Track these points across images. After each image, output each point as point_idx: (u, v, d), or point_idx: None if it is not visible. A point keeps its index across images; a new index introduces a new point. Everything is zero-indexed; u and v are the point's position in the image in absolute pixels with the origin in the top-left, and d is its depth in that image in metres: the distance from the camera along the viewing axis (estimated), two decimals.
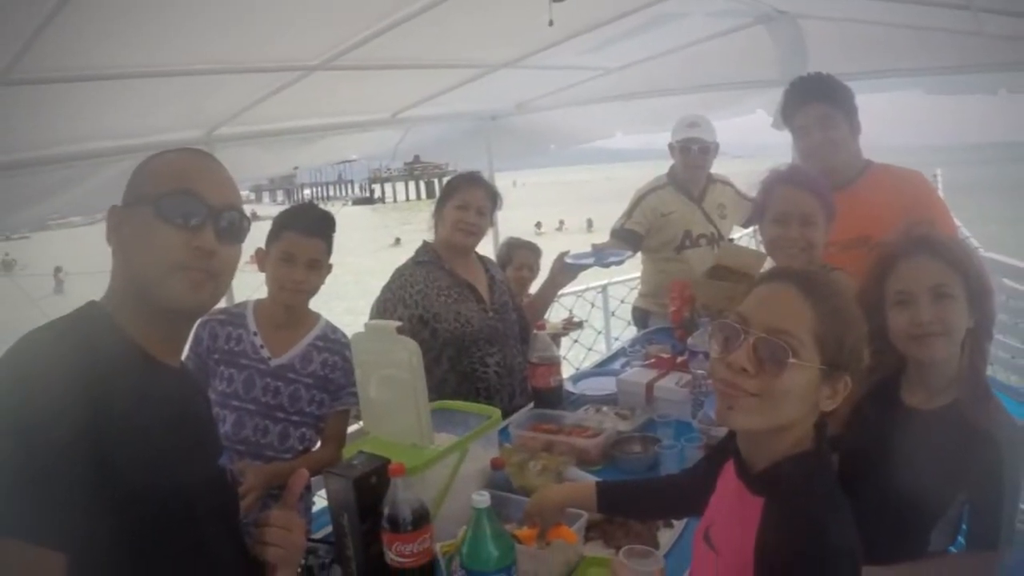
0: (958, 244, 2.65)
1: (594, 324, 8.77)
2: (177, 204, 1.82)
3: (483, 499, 2.49)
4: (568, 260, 5.00)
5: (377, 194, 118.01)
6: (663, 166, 6.21)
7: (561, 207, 63.17)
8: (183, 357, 2.11)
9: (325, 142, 6.46)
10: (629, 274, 7.93)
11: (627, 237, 5.92)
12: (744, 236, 7.78)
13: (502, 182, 5.76)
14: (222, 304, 3.41)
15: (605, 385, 4.84)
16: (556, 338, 6.09)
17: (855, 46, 6.04)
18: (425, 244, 4.57)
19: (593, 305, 8.99)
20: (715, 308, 4.64)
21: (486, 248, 4.99)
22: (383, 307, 4.37)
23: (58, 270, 37.39)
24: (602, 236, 6.23)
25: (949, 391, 2.52)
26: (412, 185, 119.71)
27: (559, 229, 50.93)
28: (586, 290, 8.90)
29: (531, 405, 4.46)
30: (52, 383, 1.63)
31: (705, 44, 5.98)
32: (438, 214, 4.54)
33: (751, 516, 1.91)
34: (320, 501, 3.75)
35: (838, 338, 1.89)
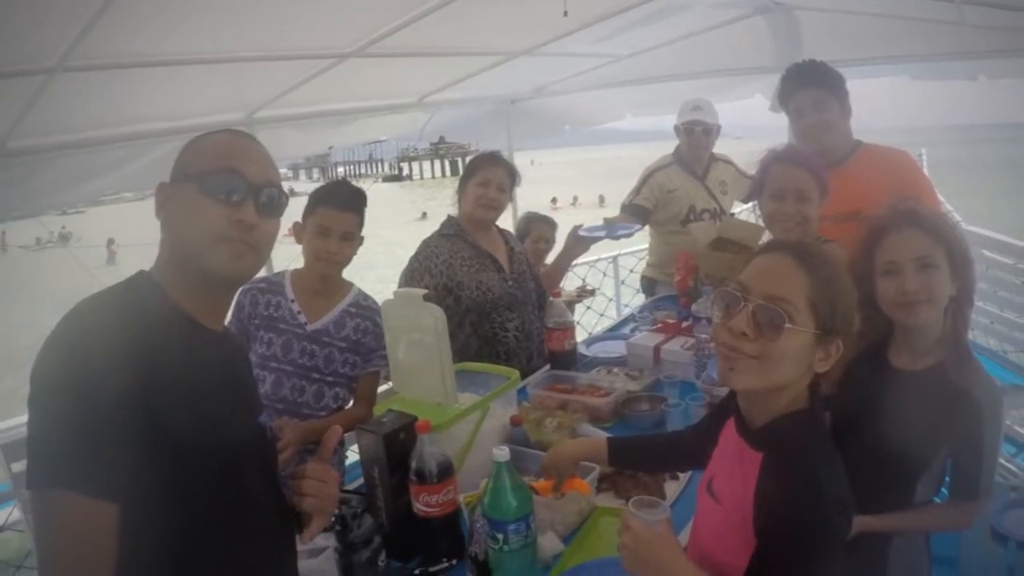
0: (941, 218, 2.64)
1: (605, 292, 8.76)
2: (220, 181, 1.81)
3: (503, 453, 2.49)
4: (581, 233, 4.99)
5: (405, 172, 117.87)
6: (669, 146, 6.21)
7: (575, 184, 63.07)
8: (226, 322, 2.11)
9: (357, 124, 6.47)
10: (638, 246, 7.92)
11: (636, 212, 5.91)
12: (744, 211, 7.74)
13: (520, 161, 5.75)
14: (262, 273, 3.41)
15: (616, 348, 4.86)
16: (570, 305, 6.07)
17: (846, 35, 6.07)
18: (449, 218, 4.56)
19: (605, 274, 8.99)
20: (717, 277, 4.63)
21: (506, 222, 4.97)
22: (411, 276, 4.36)
23: (111, 242, 37.48)
24: (613, 211, 6.22)
25: (933, 353, 2.52)
26: (437, 164, 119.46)
27: (573, 204, 50.83)
28: (598, 260, 8.90)
29: (547, 367, 4.46)
30: (105, 346, 1.63)
31: (708, 33, 5.97)
32: (461, 190, 4.53)
33: (751, 469, 1.92)
34: (352, 455, 3.76)
35: (831, 305, 1.89)
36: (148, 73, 4.06)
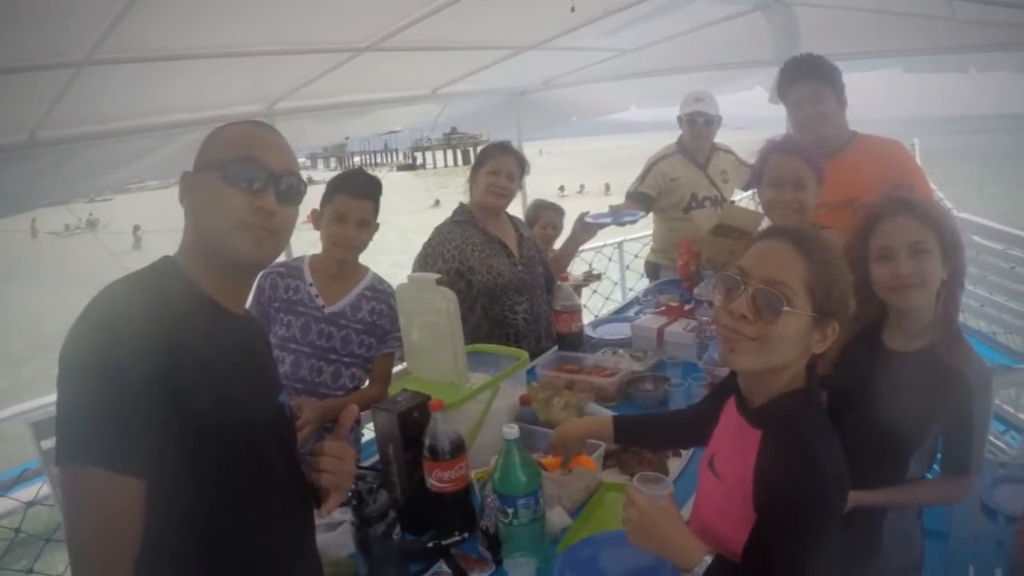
0: (933, 205, 2.63)
1: (611, 276, 8.78)
2: (242, 170, 1.81)
3: (513, 431, 2.49)
4: (588, 219, 4.98)
5: (419, 161, 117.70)
6: (672, 136, 6.21)
7: (582, 173, 62.87)
8: (247, 305, 2.11)
9: (373, 115, 6.47)
10: (642, 232, 7.94)
11: (640, 199, 5.93)
12: (744, 198, 7.73)
13: (529, 150, 5.74)
14: (282, 258, 3.42)
15: (621, 330, 4.87)
16: (577, 289, 6.09)
17: (842, 29, 6.10)
18: (461, 205, 4.55)
19: (610, 259, 8.98)
20: (718, 262, 4.64)
21: (515, 209, 4.97)
22: (424, 261, 4.36)
23: (136, 228, 37.55)
24: (618, 198, 6.24)
25: (925, 335, 2.51)
26: (450, 153, 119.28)
27: (580, 192, 50.67)
28: (604, 246, 8.89)
29: (555, 348, 4.48)
30: (131, 328, 1.63)
31: (709, 28, 5.96)
32: (473, 179, 4.52)
33: (750, 446, 1.93)
34: (368, 433, 3.77)
35: (827, 288, 1.89)
36: (172, 66, 4.06)
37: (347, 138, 6.87)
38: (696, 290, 4.46)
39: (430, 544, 2.68)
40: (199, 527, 1.75)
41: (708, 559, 1.89)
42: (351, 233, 3.65)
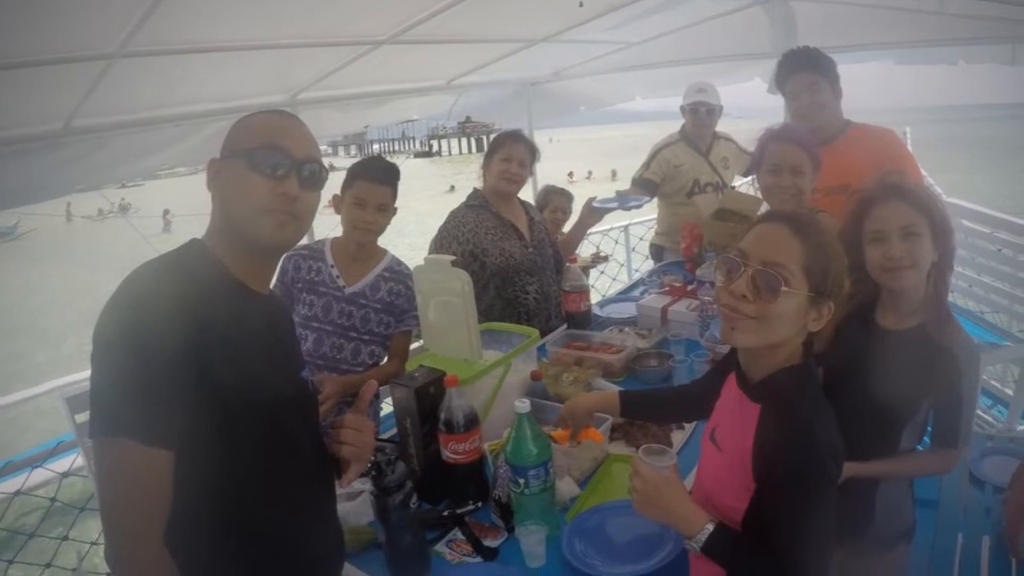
0: (924, 190, 2.61)
1: (617, 258, 8.76)
2: (266, 157, 1.81)
3: (524, 405, 2.49)
4: (595, 204, 4.98)
5: (435, 149, 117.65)
6: (676, 125, 6.20)
7: (589, 160, 62.91)
8: (271, 286, 2.11)
9: (391, 104, 6.47)
10: (647, 216, 7.90)
11: (645, 185, 5.95)
12: (744, 184, 7.69)
13: (540, 138, 5.73)
14: (304, 241, 3.42)
15: (627, 309, 4.88)
16: (585, 270, 6.08)
17: (837, 23, 6.15)
18: (475, 191, 4.54)
19: (617, 242, 8.96)
20: (720, 245, 4.63)
21: (526, 194, 4.97)
22: (440, 244, 4.36)
23: (166, 212, 37.78)
24: (624, 184, 6.24)
25: (917, 314, 2.51)
26: (464, 141, 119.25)
27: (588, 178, 50.70)
28: (611, 229, 8.87)
29: (564, 326, 4.47)
30: (161, 307, 1.63)
31: (711, 22, 5.97)
32: (486, 165, 4.51)
33: (750, 419, 1.93)
34: (386, 407, 3.77)
35: (823, 269, 1.90)
36: (200, 58, 4.06)
37: (366, 127, 6.84)
38: (698, 271, 4.47)
39: (445, 513, 2.69)
40: (226, 496, 1.76)
41: (710, 527, 1.90)
42: (370, 217, 3.65)
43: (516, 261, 4.39)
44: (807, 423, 1.82)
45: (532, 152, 4.51)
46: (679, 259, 5.79)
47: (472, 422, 2.68)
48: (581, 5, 4.30)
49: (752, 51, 6.87)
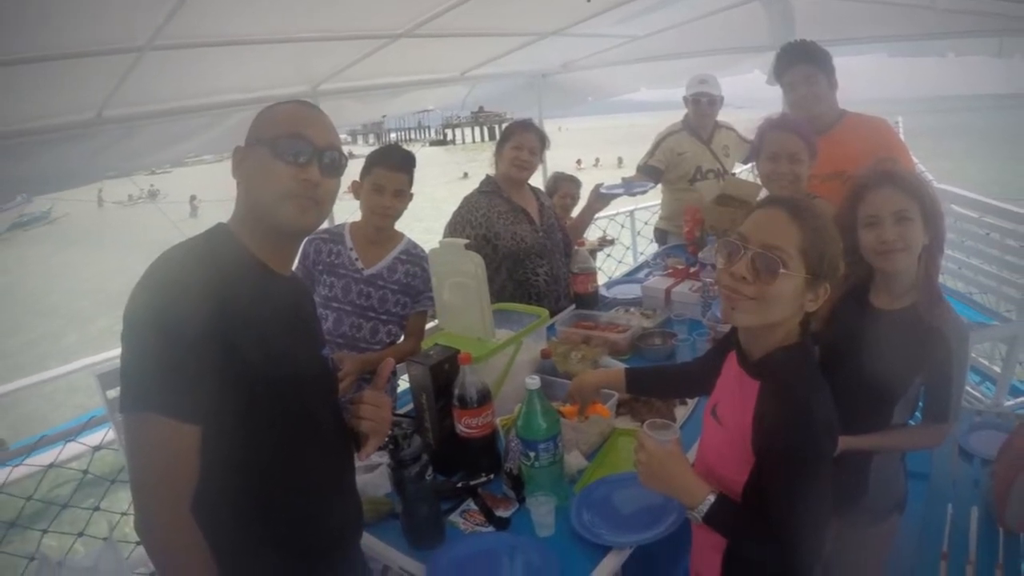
0: (916, 177, 2.61)
1: (623, 242, 8.75)
2: (289, 145, 1.81)
3: (535, 382, 2.50)
4: (602, 190, 4.97)
5: (449, 137, 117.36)
6: (678, 115, 6.22)
7: (597, 147, 62.67)
8: (293, 268, 2.11)
9: (408, 95, 6.45)
10: (651, 201, 7.89)
11: (650, 172, 5.97)
12: (744, 171, 7.68)
13: (549, 127, 5.70)
14: (325, 225, 3.42)
15: (632, 291, 4.89)
16: (593, 253, 6.08)
17: (833, 18, 6.16)
18: (488, 177, 4.53)
19: (623, 226, 8.94)
20: (721, 229, 4.65)
21: (537, 180, 4.96)
22: (454, 228, 4.36)
23: (193, 198, 37.87)
24: (630, 171, 6.26)
25: (908, 295, 2.50)
26: (478, 130, 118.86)
27: (595, 165, 50.57)
28: (617, 214, 8.85)
29: (573, 307, 4.46)
30: (188, 288, 1.64)
31: (712, 17, 5.93)
32: (498, 153, 4.50)
33: (749, 395, 1.94)
34: (403, 384, 3.76)
35: (819, 253, 1.90)
36: (225, 51, 4.05)
37: (384, 116, 6.82)
38: (700, 254, 4.48)
39: (459, 484, 2.70)
40: (251, 471, 1.78)
41: (711, 498, 1.91)
42: (388, 202, 3.65)
43: (527, 244, 4.39)
44: (805, 402, 1.82)
45: (542, 140, 4.49)
46: (682, 242, 5.79)
47: (485, 398, 2.69)
48: (588, 1, 4.29)
49: (751, 44, 6.87)
